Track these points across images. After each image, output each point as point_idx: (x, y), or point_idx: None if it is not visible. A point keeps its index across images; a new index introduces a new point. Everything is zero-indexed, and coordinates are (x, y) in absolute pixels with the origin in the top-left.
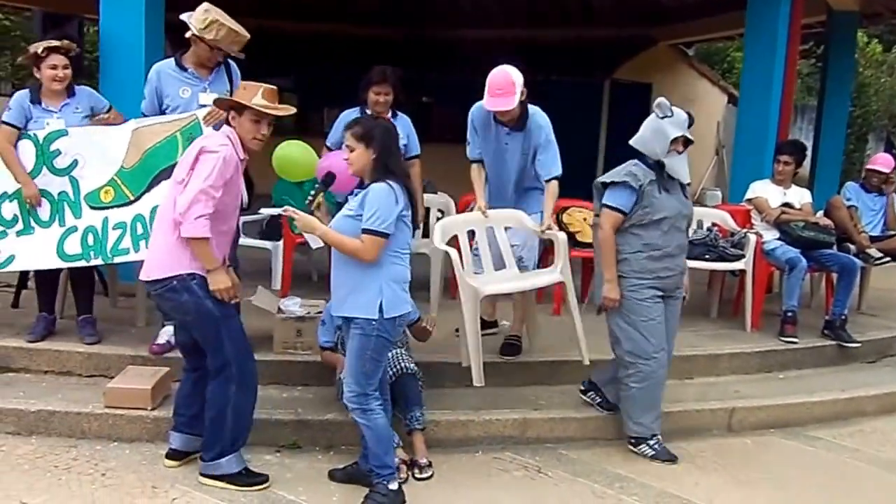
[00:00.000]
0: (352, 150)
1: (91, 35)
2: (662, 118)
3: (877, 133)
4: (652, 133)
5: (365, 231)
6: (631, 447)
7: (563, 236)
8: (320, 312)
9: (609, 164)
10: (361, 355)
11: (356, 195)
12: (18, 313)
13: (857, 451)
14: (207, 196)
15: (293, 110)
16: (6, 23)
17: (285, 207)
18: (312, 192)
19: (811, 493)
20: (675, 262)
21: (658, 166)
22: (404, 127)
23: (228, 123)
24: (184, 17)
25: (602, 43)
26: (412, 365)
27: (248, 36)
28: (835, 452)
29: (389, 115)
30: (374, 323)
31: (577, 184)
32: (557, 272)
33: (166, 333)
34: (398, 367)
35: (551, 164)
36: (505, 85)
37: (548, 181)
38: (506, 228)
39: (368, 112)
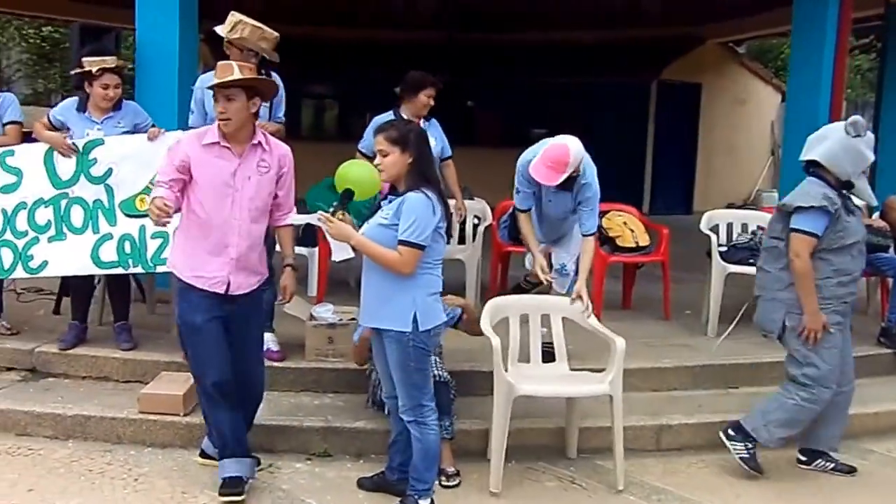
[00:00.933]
0: (385, 155)
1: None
2: (855, 137)
3: None
4: (845, 152)
5: (402, 243)
6: (724, 435)
7: (621, 344)
8: (353, 319)
9: (657, 166)
10: (405, 367)
11: (390, 202)
12: (60, 320)
13: None
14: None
15: (234, 72)
16: (55, 35)
17: (319, 214)
18: (332, 208)
19: None
20: (856, 287)
21: (841, 187)
22: (437, 130)
23: None
24: (216, 28)
25: (648, 43)
26: (445, 374)
27: (276, 34)
28: (890, 467)
29: (422, 120)
30: (408, 335)
31: (624, 185)
32: (606, 384)
33: None
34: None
35: (591, 220)
36: (558, 163)
37: (586, 237)
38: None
39: (403, 116)
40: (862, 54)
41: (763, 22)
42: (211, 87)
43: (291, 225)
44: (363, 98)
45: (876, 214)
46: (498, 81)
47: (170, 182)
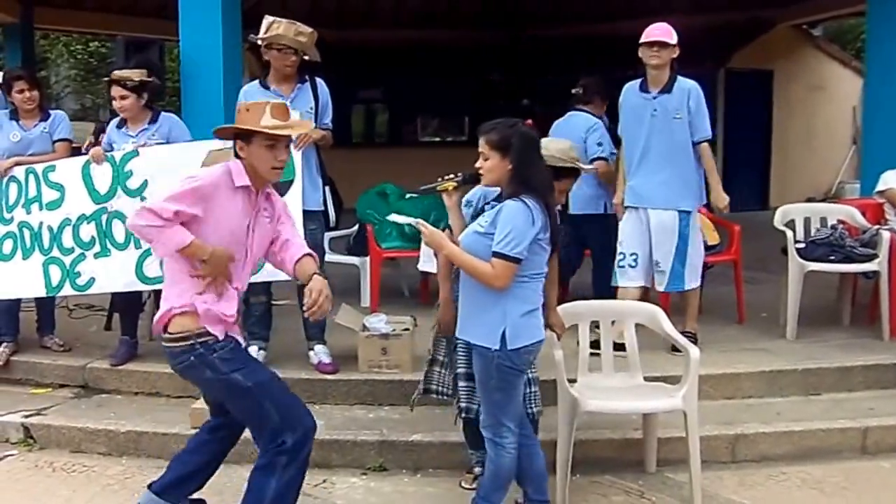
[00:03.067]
0: (486, 159)
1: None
2: None
3: None
4: None
5: (496, 255)
6: None
7: (695, 354)
8: (407, 329)
9: (728, 160)
10: (486, 385)
11: (493, 207)
12: (111, 336)
13: None
14: (158, 207)
15: (310, 126)
16: (102, 50)
17: (417, 220)
18: (449, 177)
19: None
20: None
21: None
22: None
23: (237, 156)
24: (251, 37)
25: (711, 30)
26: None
27: (313, 31)
28: None
29: None
30: (494, 352)
31: None
32: (679, 398)
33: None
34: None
35: (705, 122)
36: (663, 29)
37: (700, 143)
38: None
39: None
40: None
41: (836, 2)
42: (276, 136)
43: (311, 254)
44: (412, 101)
45: None
46: (554, 78)
47: (177, 213)
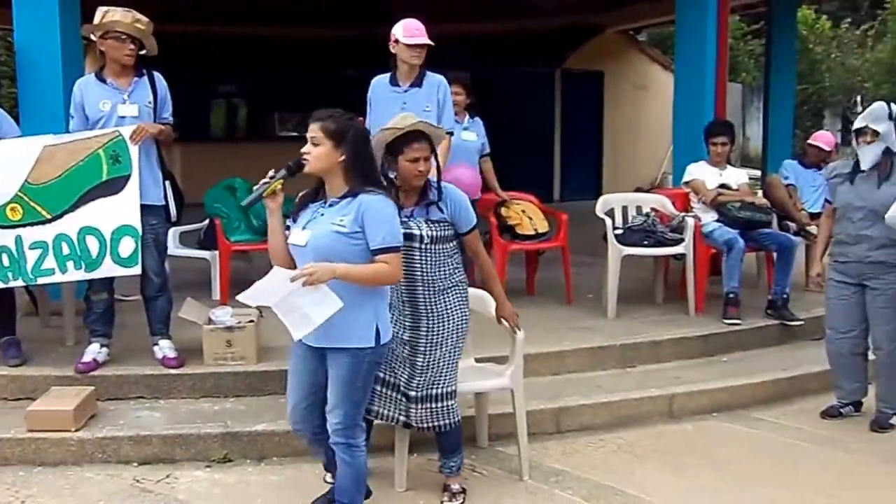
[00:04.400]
0: (316, 145)
1: None
2: None
3: (833, 109)
4: None
5: (385, 250)
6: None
7: (520, 336)
8: (252, 321)
9: (565, 153)
10: (353, 386)
11: (332, 206)
12: None
13: (801, 430)
14: None
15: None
16: None
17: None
18: (272, 176)
19: (751, 476)
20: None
21: None
22: (479, 128)
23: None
24: (85, 27)
25: (548, 33)
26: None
27: (149, 20)
28: (777, 433)
29: (466, 116)
30: (367, 350)
31: (534, 173)
32: (507, 377)
33: (92, 351)
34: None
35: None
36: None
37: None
38: None
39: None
40: (754, 39)
41: (654, 10)
42: None
43: None
44: (270, 96)
45: (760, 192)
46: None
47: None
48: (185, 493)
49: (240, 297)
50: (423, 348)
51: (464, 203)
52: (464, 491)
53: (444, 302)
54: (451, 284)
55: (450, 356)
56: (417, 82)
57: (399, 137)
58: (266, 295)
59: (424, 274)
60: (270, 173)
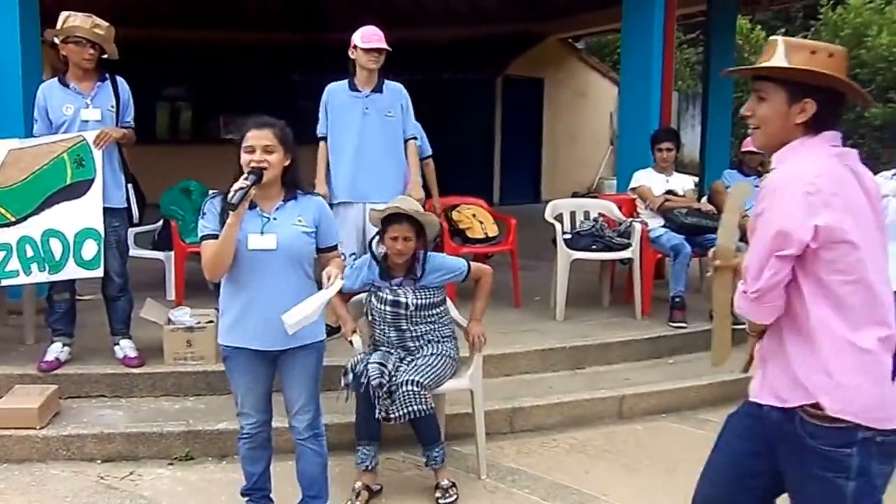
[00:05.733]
0: (271, 153)
1: None
2: None
3: None
4: None
5: (335, 247)
6: None
7: (477, 331)
8: (211, 321)
9: (505, 158)
10: (316, 378)
11: (279, 209)
12: None
13: None
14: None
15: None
16: None
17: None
18: (246, 183)
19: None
20: None
21: None
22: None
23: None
24: (47, 32)
25: (491, 40)
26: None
27: (109, 25)
28: None
29: None
30: (323, 342)
31: (474, 176)
32: (466, 378)
33: (55, 350)
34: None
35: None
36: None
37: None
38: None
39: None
40: (690, 48)
41: (596, 19)
42: None
43: None
44: (215, 100)
45: (704, 198)
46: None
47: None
48: (150, 489)
49: (289, 322)
50: (412, 358)
51: (444, 265)
52: (454, 485)
53: (434, 345)
54: (439, 338)
55: (434, 369)
56: (378, 88)
57: (386, 217)
58: (310, 316)
59: (412, 333)
60: (242, 180)
